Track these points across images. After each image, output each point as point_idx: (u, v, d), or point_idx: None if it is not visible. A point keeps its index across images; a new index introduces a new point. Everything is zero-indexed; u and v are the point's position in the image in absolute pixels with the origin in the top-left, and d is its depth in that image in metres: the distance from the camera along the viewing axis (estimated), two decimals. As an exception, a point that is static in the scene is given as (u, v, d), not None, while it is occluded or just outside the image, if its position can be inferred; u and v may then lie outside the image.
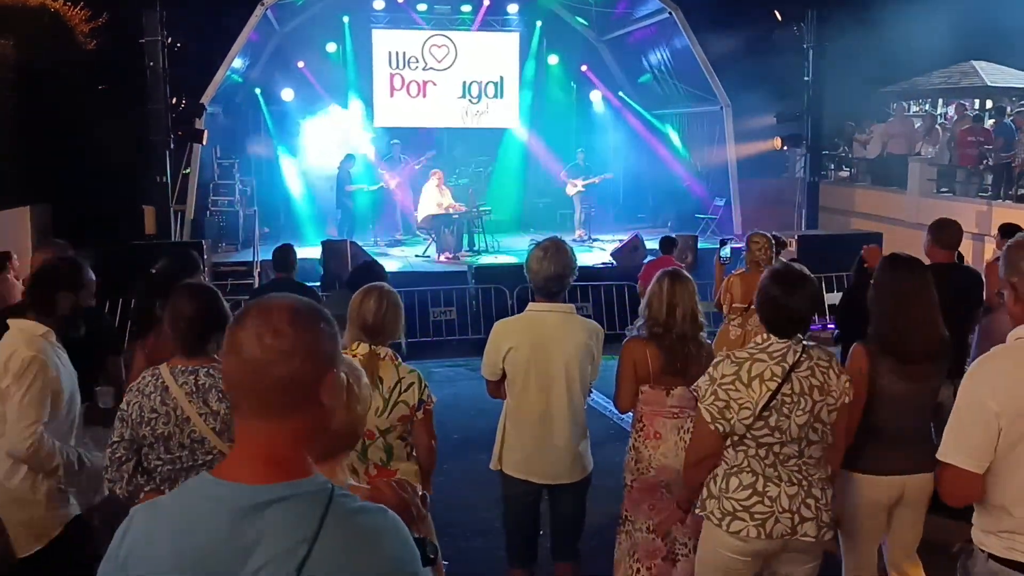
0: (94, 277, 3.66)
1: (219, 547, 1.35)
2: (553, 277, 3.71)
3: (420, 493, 1.78)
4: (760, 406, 2.89)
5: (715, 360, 3.05)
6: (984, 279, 5.37)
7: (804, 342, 3.02)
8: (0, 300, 5.68)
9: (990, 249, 10.42)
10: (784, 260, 4.54)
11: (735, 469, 3.00)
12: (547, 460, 3.78)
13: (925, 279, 3.42)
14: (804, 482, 2.98)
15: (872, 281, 3.53)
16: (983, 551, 2.48)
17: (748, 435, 2.93)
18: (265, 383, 1.42)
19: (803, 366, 2.94)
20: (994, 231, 8.42)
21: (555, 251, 3.72)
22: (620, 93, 17.26)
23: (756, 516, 2.96)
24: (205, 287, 3.35)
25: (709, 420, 2.96)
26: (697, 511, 3.17)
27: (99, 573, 1.45)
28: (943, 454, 2.45)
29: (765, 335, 3.01)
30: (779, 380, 2.90)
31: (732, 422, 2.93)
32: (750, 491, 2.97)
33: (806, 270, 3.09)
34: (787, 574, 3.09)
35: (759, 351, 2.97)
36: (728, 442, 3.00)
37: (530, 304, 3.85)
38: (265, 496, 1.37)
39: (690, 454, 3.16)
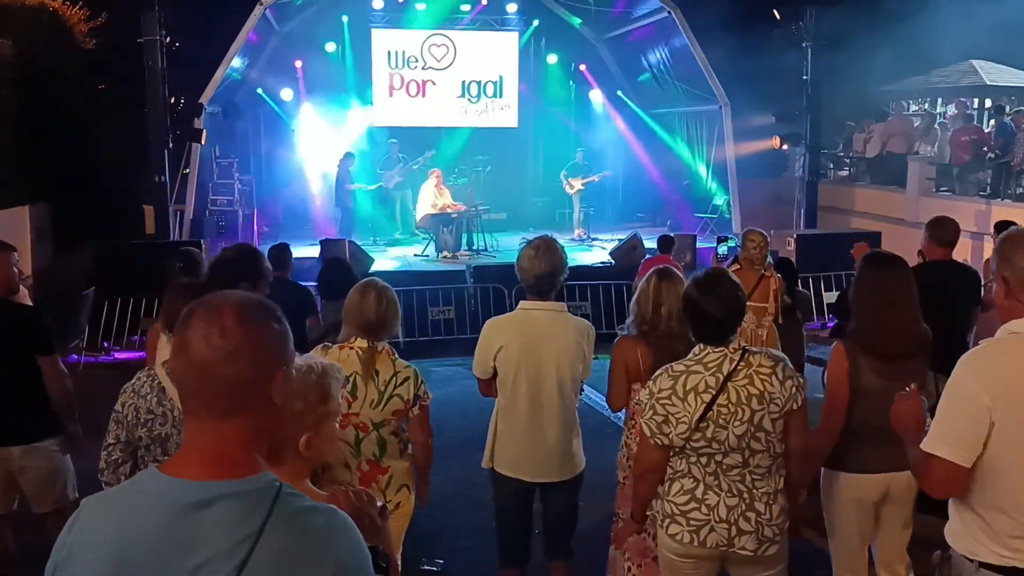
0: (270, 266, 3.66)
1: (159, 542, 1.34)
2: (544, 276, 3.71)
3: (379, 505, 1.78)
4: (695, 419, 2.86)
5: (655, 374, 3.03)
6: (982, 277, 5.38)
7: (744, 347, 2.98)
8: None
9: (989, 248, 10.41)
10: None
11: (678, 474, 3.00)
12: (538, 458, 3.78)
13: (906, 277, 3.39)
14: (746, 494, 2.94)
15: (853, 279, 3.51)
16: (971, 560, 2.39)
17: (687, 446, 2.91)
18: (213, 383, 1.40)
19: (740, 375, 2.89)
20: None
21: (546, 249, 3.72)
22: (619, 92, 17.24)
23: (692, 522, 2.96)
24: (201, 285, 3.36)
25: (649, 435, 2.95)
26: (649, 511, 3.19)
27: (49, 562, 1.45)
28: (929, 446, 2.37)
29: (701, 345, 2.98)
30: (714, 392, 2.86)
31: (670, 436, 2.91)
32: (688, 497, 2.97)
33: (732, 276, 3.07)
34: None
35: (695, 362, 2.94)
36: (672, 451, 2.99)
37: (521, 303, 3.84)
38: (209, 493, 1.36)
39: (636, 466, 3.17)
